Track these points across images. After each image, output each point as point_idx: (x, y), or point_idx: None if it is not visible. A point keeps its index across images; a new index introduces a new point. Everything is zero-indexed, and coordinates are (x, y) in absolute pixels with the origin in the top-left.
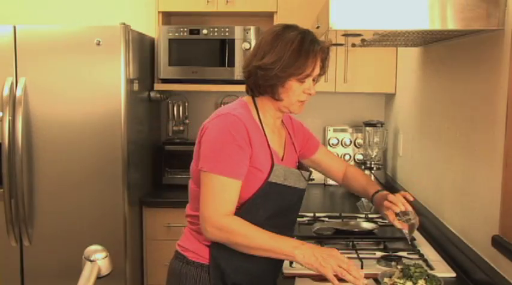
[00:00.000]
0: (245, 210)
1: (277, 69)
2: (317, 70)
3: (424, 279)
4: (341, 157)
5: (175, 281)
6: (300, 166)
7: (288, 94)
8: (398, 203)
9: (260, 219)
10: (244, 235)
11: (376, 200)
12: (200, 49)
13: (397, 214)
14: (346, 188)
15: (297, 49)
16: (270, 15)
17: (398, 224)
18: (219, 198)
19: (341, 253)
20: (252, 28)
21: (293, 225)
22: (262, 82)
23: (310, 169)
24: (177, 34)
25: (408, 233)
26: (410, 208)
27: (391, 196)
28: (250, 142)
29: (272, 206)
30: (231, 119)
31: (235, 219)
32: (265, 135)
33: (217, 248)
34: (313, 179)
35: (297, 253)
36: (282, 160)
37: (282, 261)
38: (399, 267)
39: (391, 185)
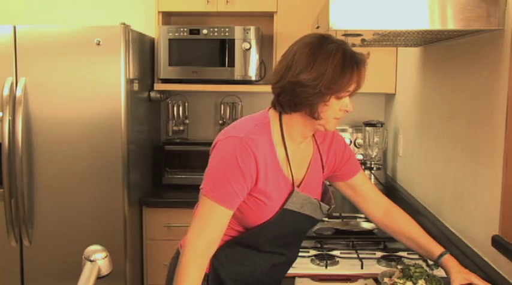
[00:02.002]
0: (255, 231)
1: (321, 86)
2: (356, 85)
3: (424, 279)
4: None
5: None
6: (324, 193)
7: (326, 112)
8: None
9: (266, 240)
10: (179, 280)
11: (447, 263)
12: (200, 49)
13: None
14: (384, 229)
15: (340, 64)
16: (270, 15)
17: None
18: (208, 226)
19: (341, 253)
20: (252, 28)
21: (300, 242)
22: (301, 100)
23: (333, 204)
24: (177, 34)
25: None
26: None
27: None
28: (257, 175)
29: (284, 231)
30: (241, 148)
31: (198, 269)
32: (288, 161)
33: (218, 258)
34: (332, 214)
35: None
36: (300, 184)
37: (283, 277)
38: (399, 267)
39: (391, 185)
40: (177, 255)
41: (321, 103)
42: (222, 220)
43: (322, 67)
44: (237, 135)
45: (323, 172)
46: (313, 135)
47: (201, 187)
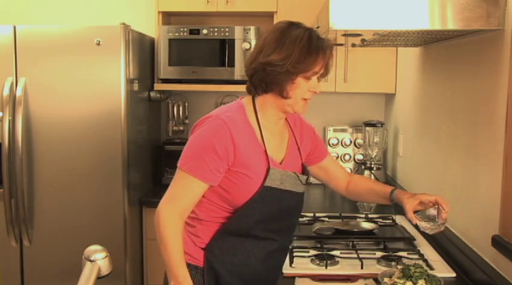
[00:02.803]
0: (241, 213)
1: (288, 65)
2: (323, 68)
3: (424, 279)
4: (341, 157)
5: None
6: (302, 170)
7: (294, 91)
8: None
9: (254, 222)
10: (163, 241)
11: (399, 195)
12: (200, 49)
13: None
14: (350, 196)
15: (307, 46)
16: (270, 15)
17: (414, 218)
18: (180, 194)
19: (341, 253)
20: (252, 28)
21: (293, 229)
22: (271, 79)
23: (311, 174)
24: (177, 34)
25: (424, 228)
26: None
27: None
28: (235, 149)
29: (269, 210)
30: (216, 124)
31: (173, 224)
32: (262, 139)
33: (212, 251)
34: (311, 183)
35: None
36: (281, 163)
37: (282, 265)
38: (399, 267)
39: (391, 185)
40: None
41: (288, 82)
42: (195, 191)
43: (290, 48)
44: (213, 114)
45: (300, 156)
46: (287, 120)
47: (178, 163)
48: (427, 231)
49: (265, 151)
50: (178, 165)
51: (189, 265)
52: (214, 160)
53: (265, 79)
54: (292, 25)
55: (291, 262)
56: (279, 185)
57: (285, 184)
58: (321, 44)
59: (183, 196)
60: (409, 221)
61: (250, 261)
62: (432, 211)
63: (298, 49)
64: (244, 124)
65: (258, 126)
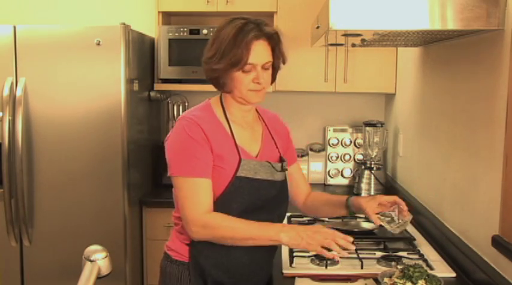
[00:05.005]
0: (218, 205)
1: (214, 63)
2: (259, 58)
3: (424, 279)
4: (341, 157)
5: (162, 280)
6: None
7: (235, 85)
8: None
9: (234, 213)
10: (229, 227)
11: (355, 201)
12: (200, 49)
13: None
14: (307, 210)
15: (232, 40)
16: (270, 15)
17: (378, 220)
18: (195, 199)
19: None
20: None
21: (279, 220)
22: (210, 76)
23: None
24: (177, 34)
25: (388, 228)
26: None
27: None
28: (209, 141)
29: (250, 201)
30: (185, 123)
31: (216, 214)
32: (231, 133)
33: (196, 246)
34: (287, 169)
35: (283, 236)
36: (257, 155)
37: (270, 259)
38: (399, 267)
39: (391, 185)
40: (164, 256)
41: (223, 78)
42: (205, 189)
43: (219, 44)
44: (179, 118)
45: (277, 148)
46: (259, 113)
47: (169, 174)
48: (392, 231)
49: (235, 143)
50: (171, 175)
51: (175, 261)
52: (200, 151)
53: (208, 77)
54: (231, 21)
55: (291, 262)
56: (254, 175)
57: (260, 174)
58: (247, 36)
59: (199, 198)
60: (373, 222)
61: (235, 254)
62: (392, 213)
63: (224, 45)
64: (212, 119)
65: (226, 120)
